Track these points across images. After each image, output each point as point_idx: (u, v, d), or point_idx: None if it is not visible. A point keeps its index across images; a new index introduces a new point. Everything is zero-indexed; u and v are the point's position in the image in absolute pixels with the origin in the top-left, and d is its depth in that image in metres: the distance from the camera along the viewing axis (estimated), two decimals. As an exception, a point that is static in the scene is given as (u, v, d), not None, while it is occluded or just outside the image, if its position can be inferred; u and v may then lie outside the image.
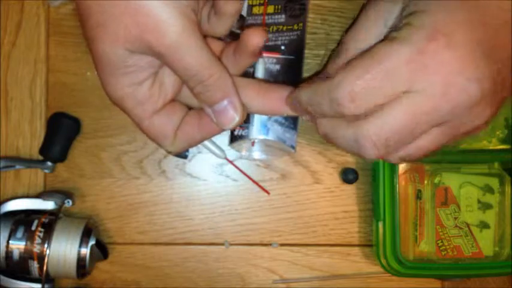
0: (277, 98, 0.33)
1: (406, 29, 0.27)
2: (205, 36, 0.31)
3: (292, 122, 0.42)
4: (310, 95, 0.30)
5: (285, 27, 0.43)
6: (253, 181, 0.48)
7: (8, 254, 0.42)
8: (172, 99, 0.34)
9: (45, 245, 0.42)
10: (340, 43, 0.33)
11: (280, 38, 0.43)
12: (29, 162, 0.46)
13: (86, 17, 0.29)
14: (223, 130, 0.33)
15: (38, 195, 0.45)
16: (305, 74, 0.44)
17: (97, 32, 0.29)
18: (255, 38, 0.30)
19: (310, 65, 0.47)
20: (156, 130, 0.33)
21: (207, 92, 0.31)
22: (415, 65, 0.26)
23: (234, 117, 0.31)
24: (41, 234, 0.42)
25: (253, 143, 0.44)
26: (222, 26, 0.33)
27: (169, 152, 0.35)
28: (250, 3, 0.43)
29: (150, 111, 0.32)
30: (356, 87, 0.27)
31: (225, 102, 0.31)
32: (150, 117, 0.32)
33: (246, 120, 0.42)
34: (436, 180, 0.47)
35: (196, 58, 0.29)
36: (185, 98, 0.34)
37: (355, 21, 0.33)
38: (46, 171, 0.46)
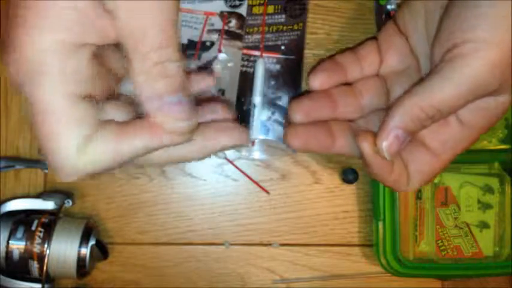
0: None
1: None
2: None
3: (292, 122, 0.42)
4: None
5: (285, 27, 0.43)
6: (253, 181, 0.48)
7: (8, 254, 0.42)
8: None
9: (45, 245, 0.42)
10: None
11: (280, 38, 0.43)
12: (29, 162, 0.46)
13: None
14: (160, 141, 0.26)
15: (38, 195, 0.45)
16: (305, 74, 0.44)
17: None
18: None
19: (310, 65, 0.47)
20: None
21: (166, 77, 0.25)
22: None
23: (186, 117, 0.26)
24: (41, 234, 0.42)
25: (253, 143, 0.44)
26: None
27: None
28: (250, 3, 0.43)
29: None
30: None
31: (182, 96, 0.25)
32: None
33: (246, 120, 0.42)
34: (436, 180, 0.46)
35: None
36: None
37: None
38: (46, 171, 0.46)
